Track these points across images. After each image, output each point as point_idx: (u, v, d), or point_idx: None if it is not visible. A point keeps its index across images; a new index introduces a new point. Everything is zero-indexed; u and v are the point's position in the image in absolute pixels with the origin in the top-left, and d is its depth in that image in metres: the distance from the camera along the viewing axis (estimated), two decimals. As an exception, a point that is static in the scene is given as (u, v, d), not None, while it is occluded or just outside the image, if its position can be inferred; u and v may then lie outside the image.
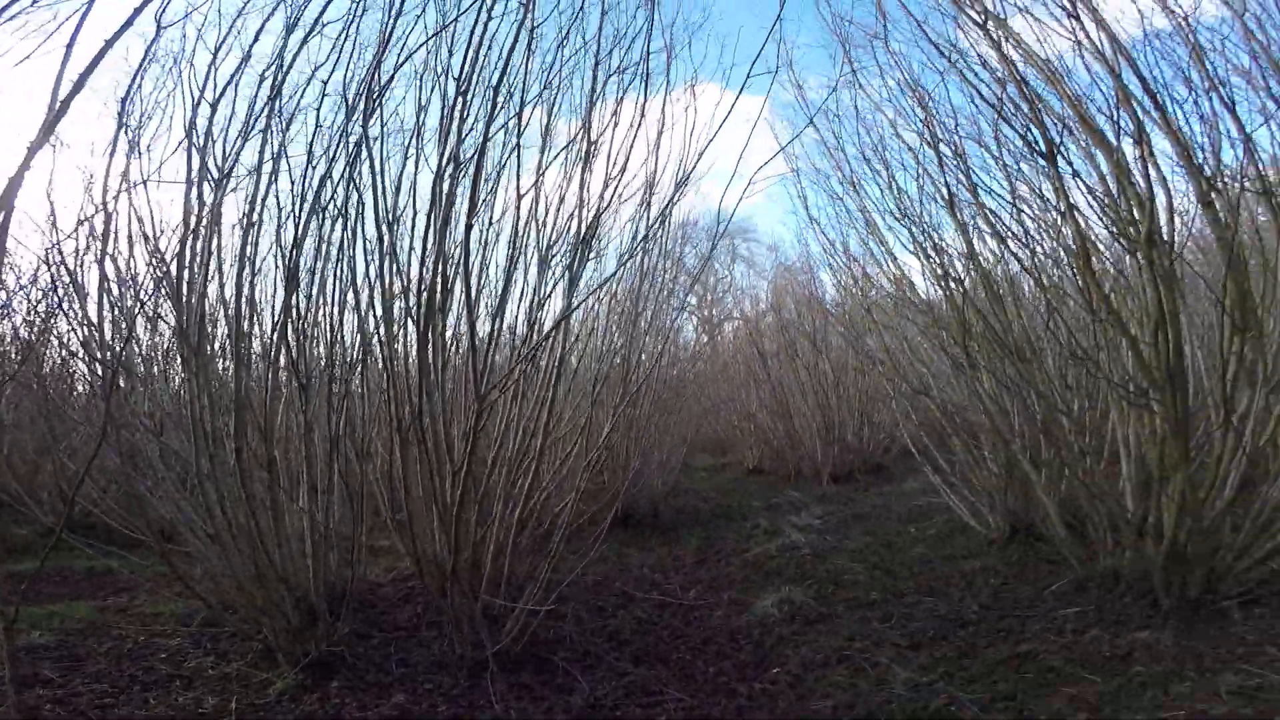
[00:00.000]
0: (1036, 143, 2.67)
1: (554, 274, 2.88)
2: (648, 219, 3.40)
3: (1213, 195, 2.45)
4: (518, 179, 2.70)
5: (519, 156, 2.68)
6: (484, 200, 3.02)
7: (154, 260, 2.69)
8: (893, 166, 3.96)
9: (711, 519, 5.52)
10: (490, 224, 3.16)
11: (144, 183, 2.65)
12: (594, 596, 3.49)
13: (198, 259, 2.48)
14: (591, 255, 2.97)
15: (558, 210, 3.00)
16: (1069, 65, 2.76)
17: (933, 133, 3.42)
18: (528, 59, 2.72)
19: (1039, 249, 3.37)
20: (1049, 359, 3.47)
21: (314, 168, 2.56)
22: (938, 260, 3.70)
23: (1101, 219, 2.74)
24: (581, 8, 2.91)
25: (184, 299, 2.40)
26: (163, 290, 2.69)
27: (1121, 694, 2.15)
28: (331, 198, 2.51)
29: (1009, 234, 3.31)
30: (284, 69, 2.51)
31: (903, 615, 3.04)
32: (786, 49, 4.50)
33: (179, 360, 2.73)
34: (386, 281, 2.51)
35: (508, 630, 2.52)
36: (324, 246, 2.67)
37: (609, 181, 2.99)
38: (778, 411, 7.45)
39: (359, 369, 2.84)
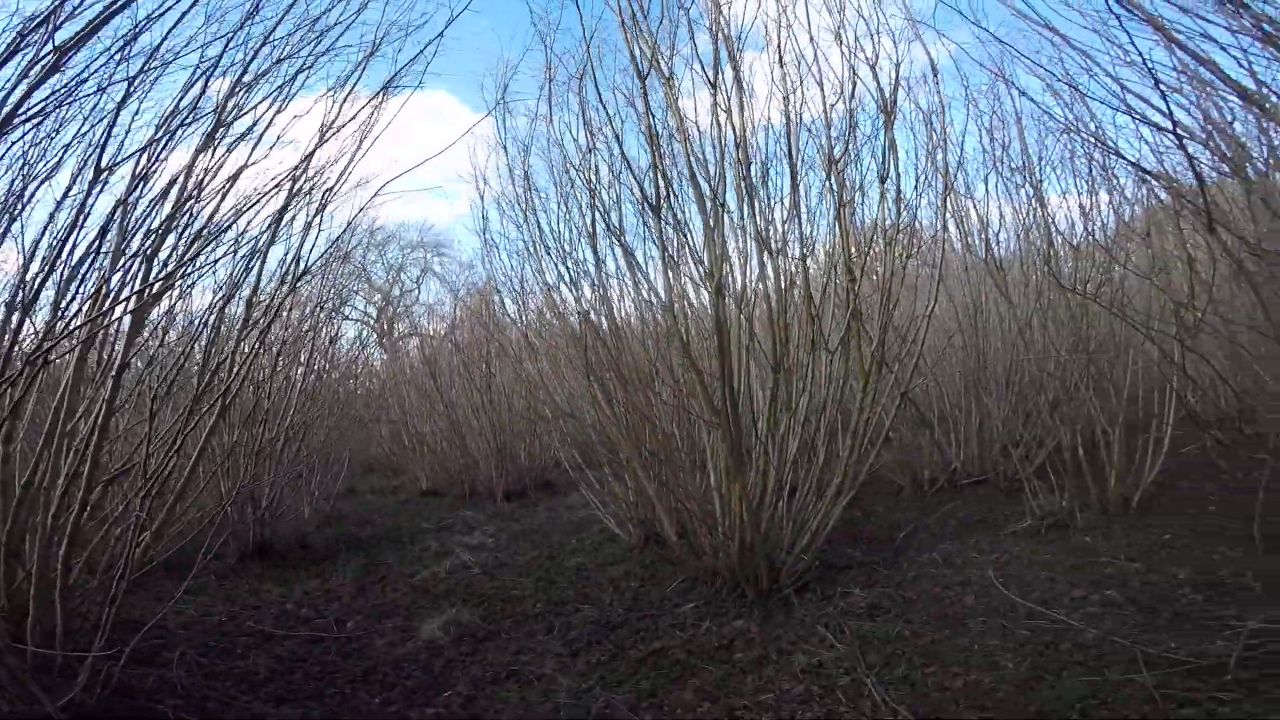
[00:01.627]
0: (651, 196, 3.03)
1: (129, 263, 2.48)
2: (306, 216, 3.11)
3: (768, 259, 3.16)
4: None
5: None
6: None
7: None
8: (569, 204, 4.07)
9: (376, 544, 5.21)
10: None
11: None
12: (218, 638, 3.09)
13: None
14: (205, 245, 2.65)
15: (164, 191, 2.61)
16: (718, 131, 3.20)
17: (589, 177, 3.64)
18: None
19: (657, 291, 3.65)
20: (658, 386, 3.79)
21: None
22: (580, 294, 3.95)
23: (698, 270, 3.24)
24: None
25: None
26: None
27: (730, 680, 2.53)
28: None
29: (638, 277, 3.65)
30: None
31: (564, 625, 3.25)
32: (504, 72, 4.60)
33: None
34: None
35: (80, 681, 2.11)
36: None
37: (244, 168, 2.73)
38: (452, 431, 7.39)
39: None
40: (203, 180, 2.67)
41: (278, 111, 2.92)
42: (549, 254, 4.01)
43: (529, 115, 4.11)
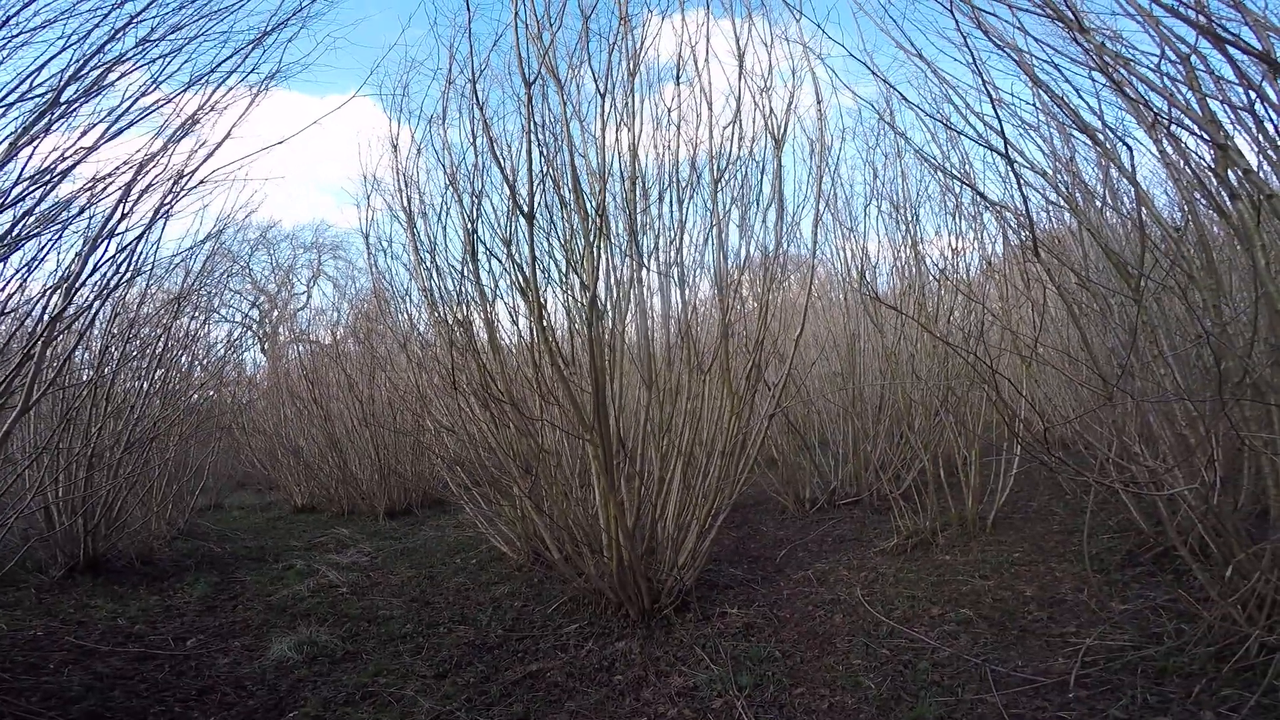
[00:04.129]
0: (525, 202, 2.89)
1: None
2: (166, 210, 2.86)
3: (647, 275, 3.20)
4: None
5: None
6: None
7: None
8: (455, 210, 3.68)
9: (234, 563, 4.79)
10: None
11: None
12: (28, 653, 2.80)
13: None
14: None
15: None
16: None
17: (473, 182, 3.44)
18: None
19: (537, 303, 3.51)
20: (536, 402, 3.59)
21: None
22: (459, 304, 3.74)
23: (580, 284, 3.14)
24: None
25: None
26: None
27: (607, 703, 2.49)
28: None
29: (524, 288, 3.31)
30: None
31: (433, 645, 3.09)
32: (404, 71, 4.45)
33: None
34: None
35: None
36: None
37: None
38: (330, 446, 6.97)
39: None
40: (38, 161, 2.42)
41: (143, 94, 2.72)
42: (431, 261, 3.81)
43: (426, 116, 3.96)
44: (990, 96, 1.97)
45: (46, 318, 2.47)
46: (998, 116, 1.79)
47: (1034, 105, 2.82)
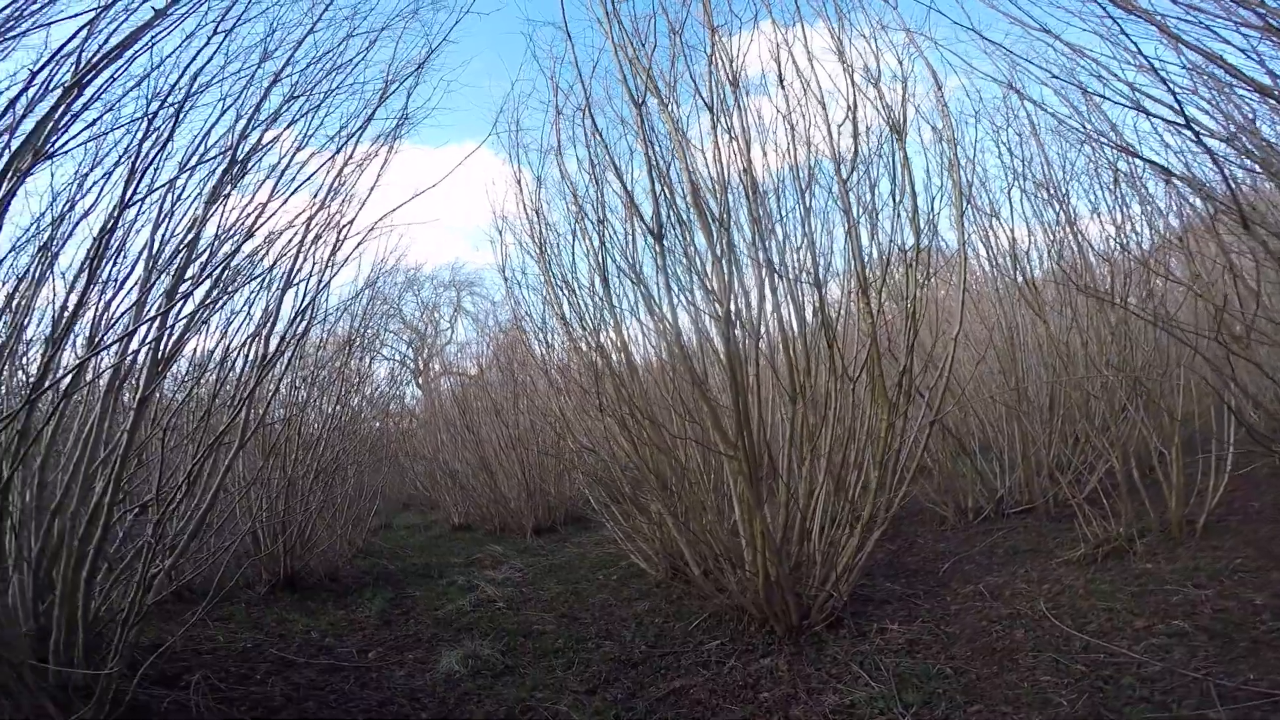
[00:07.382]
0: (652, 223, 2.91)
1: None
2: (333, 261, 3.09)
3: (780, 284, 3.07)
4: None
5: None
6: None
7: None
8: (581, 237, 3.78)
9: (404, 578, 5.21)
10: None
11: None
12: (239, 664, 3.09)
13: None
14: (226, 285, 2.72)
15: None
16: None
17: (597, 209, 3.51)
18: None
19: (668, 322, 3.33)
20: (675, 420, 3.54)
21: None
22: (594, 329, 3.76)
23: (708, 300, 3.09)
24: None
25: None
26: None
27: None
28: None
29: (653, 309, 3.36)
30: None
31: (583, 660, 3.15)
32: (514, 108, 4.73)
33: None
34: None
35: (99, 699, 2.15)
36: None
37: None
38: (481, 468, 7.44)
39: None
40: (224, 219, 2.76)
41: (298, 149, 3.02)
42: (564, 289, 3.91)
43: (541, 149, 4.14)
44: (1147, 61, 1.72)
45: (253, 366, 2.84)
46: (1164, 80, 1.56)
47: (1183, 67, 2.43)
